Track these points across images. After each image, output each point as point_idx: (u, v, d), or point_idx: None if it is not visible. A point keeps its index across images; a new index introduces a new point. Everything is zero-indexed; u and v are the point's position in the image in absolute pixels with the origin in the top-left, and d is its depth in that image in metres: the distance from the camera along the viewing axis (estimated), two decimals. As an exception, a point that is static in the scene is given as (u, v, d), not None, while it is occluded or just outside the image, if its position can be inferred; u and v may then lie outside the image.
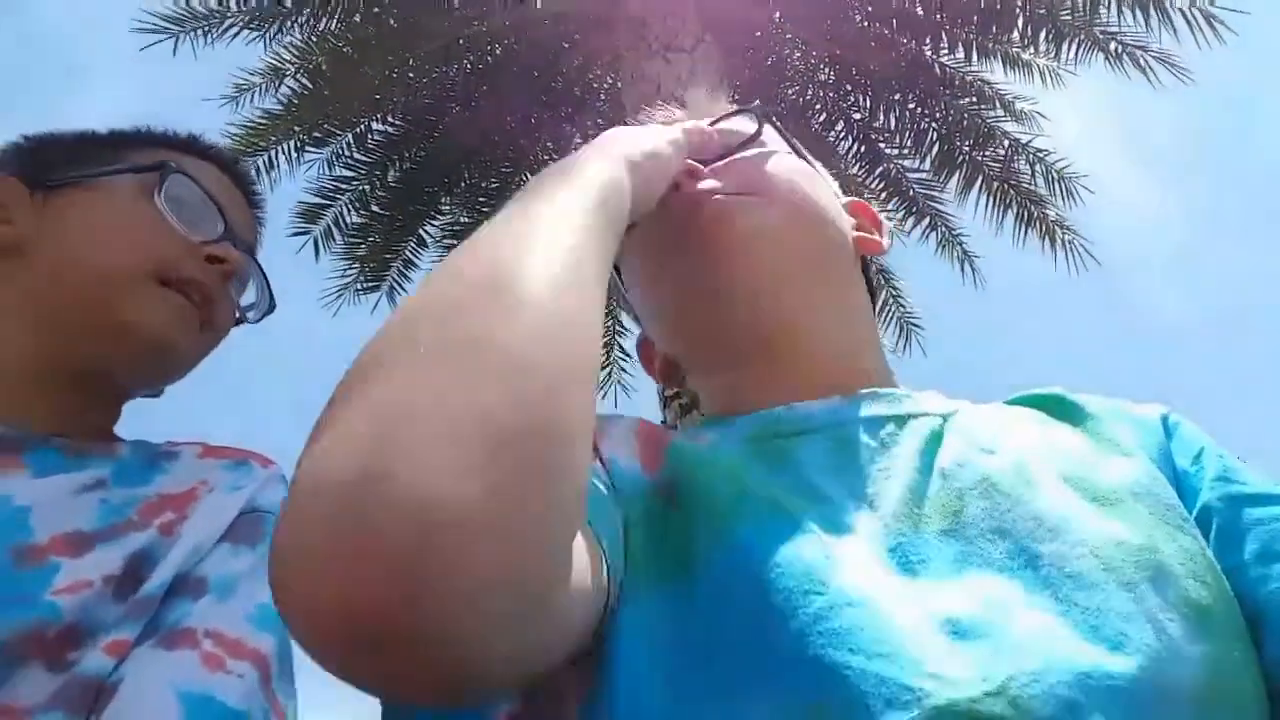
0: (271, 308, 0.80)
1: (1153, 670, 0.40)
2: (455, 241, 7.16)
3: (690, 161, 0.62)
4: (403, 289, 7.17)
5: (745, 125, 0.68)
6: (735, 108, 0.71)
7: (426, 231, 7.14)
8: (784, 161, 0.66)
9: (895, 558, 0.45)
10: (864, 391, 0.57)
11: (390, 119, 6.75)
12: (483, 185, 7.13)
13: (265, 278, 0.79)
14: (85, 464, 0.62)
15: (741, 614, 0.42)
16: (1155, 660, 0.40)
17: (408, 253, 7.13)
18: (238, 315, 0.77)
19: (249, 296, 0.79)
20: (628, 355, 7.38)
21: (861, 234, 0.69)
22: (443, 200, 7.11)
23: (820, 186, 0.68)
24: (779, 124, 0.71)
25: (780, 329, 0.60)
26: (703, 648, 0.42)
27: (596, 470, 0.48)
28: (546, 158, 7.19)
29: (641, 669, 0.42)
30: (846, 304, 0.64)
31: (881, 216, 0.72)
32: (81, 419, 0.66)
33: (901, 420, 0.55)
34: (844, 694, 0.38)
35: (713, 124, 0.67)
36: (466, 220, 7.20)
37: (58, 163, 0.72)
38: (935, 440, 0.53)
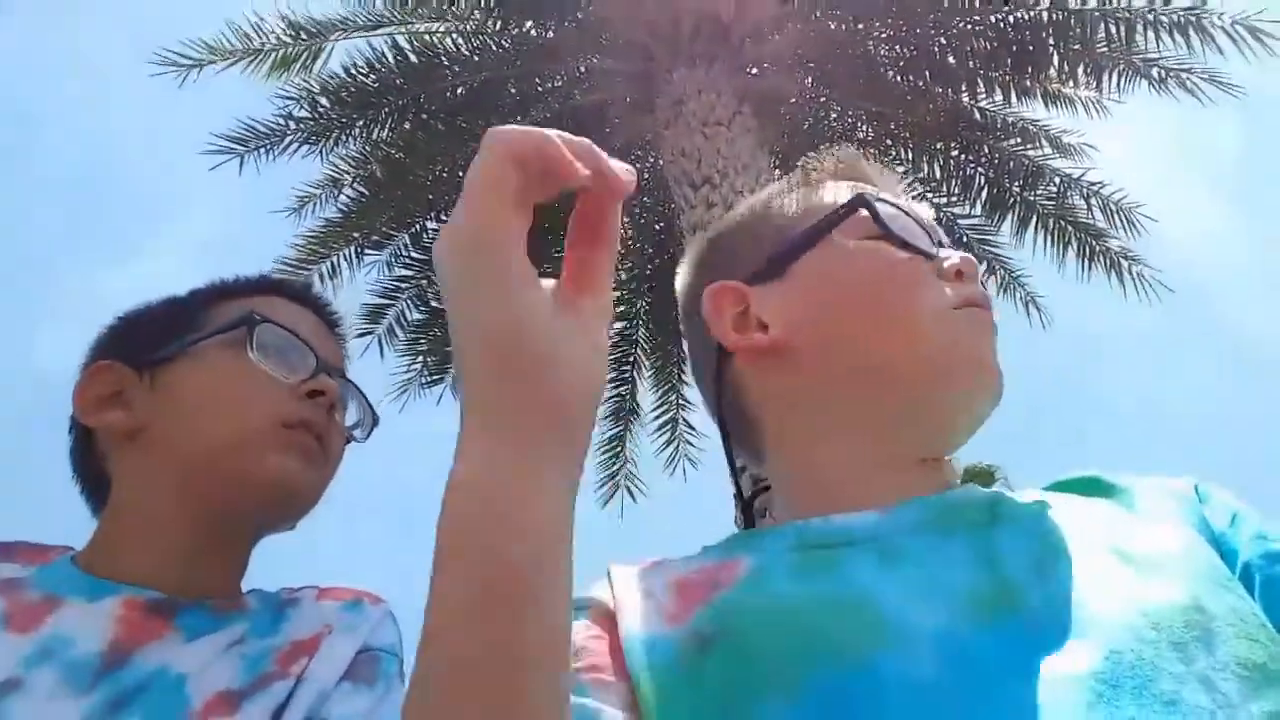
0: (375, 422, 0.83)
1: None
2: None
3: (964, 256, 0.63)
4: (466, 379, 7.28)
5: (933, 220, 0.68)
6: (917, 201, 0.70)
7: (485, 321, 7.29)
8: None
9: (959, 652, 0.46)
10: (903, 502, 0.57)
11: (444, 216, 6.98)
12: (538, 271, 7.27)
13: (363, 395, 0.83)
14: (227, 622, 0.68)
15: None
16: (1209, 718, 0.41)
17: (469, 343, 7.27)
18: (348, 437, 0.81)
19: (351, 415, 0.82)
20: (693, 429, 7.35)
21: None
22: (499, 289, 7.27)
23: None
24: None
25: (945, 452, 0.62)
26: None
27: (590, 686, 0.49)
28: (596, 239, 7.31)
29: None
30: None
31: None
32: (222, 575, 0.72)
33: (939, 521, 0.55)
34: None
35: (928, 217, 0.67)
36: (523, 307, 7.33)
37: (154, 339, 0.77)
38: (979, 534, 0.54)
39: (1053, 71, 6.35)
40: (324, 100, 6.35)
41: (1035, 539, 0.52)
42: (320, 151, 6.53)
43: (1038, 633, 0.46)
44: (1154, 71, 6.14)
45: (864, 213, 0.63)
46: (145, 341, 0.77)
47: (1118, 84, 6.27)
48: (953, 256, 0.63)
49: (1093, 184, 6.52)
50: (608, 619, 0.54)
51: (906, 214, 0.65)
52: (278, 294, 0.82)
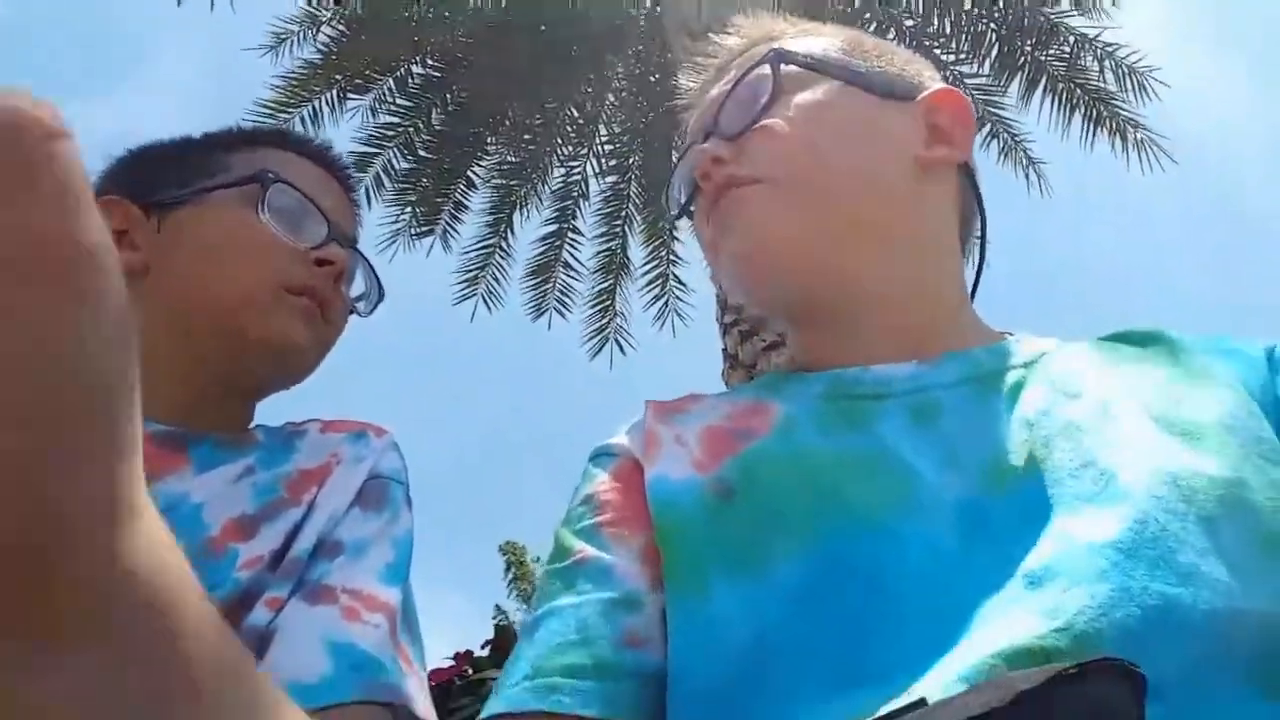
0: (381, 297, 0.83)
1: (1221, 605, 0.40)
2: (504, 181, 7.15)
3: (712, 147, 0.62)
4: (455, 231, 7.21)
5: (762, 80, 0.63)
6: (752, 62, 0.65)
7: (474, 172, 7.13)
8: (800, 123, 0.61)
9: (979, 520, 0.46)
10: (943, 355, 0.57)
11: (429, 61, 6.69)
12: (527, 122, 7.06)
13: (371, 267, 0.82)
14: (237, 455, 0.70)
15: (825, 612, 0.45)
16: (1225, 595, 0.41)
17: (458, 194, 7.14)
18: (351, 308, 0.80)
19: (358, 287, 0.82)
20: (684, 285, 7.34)
21: (926, 153, 0.62)
22: (488, 140, 7.07)
23: (858, 133, 0.61)
24: (803, 57, 0.64)
25: (833, 294, 0.59)
26: (785, 629, 0.45)
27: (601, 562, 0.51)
28: (588, 89, 7.06)
29: (724, 653, 0.45)
30: (909, 246, 0.61)
31: (958, 101, 0.65)
32: (228, 415, 0.73)
33: (981, 379, 0.55)
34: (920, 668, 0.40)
35: (732, 88, 0.64)
36: (513, 159, 7.16)
37: (164, 180, 0.75)
38: (1017, 392, 0.53)
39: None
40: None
41: (1075, 403, 0.51)
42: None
43: (1062, 498, 0.46)
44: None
45: None
46: (155, 181, 0.75)
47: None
48: (695, 171, 0.63)
49: (1108, 44, 6.27)
50: (632, 467, 0.56)
51: None
52: (298, 151, 0.79)
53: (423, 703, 0.61)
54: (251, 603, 0.61)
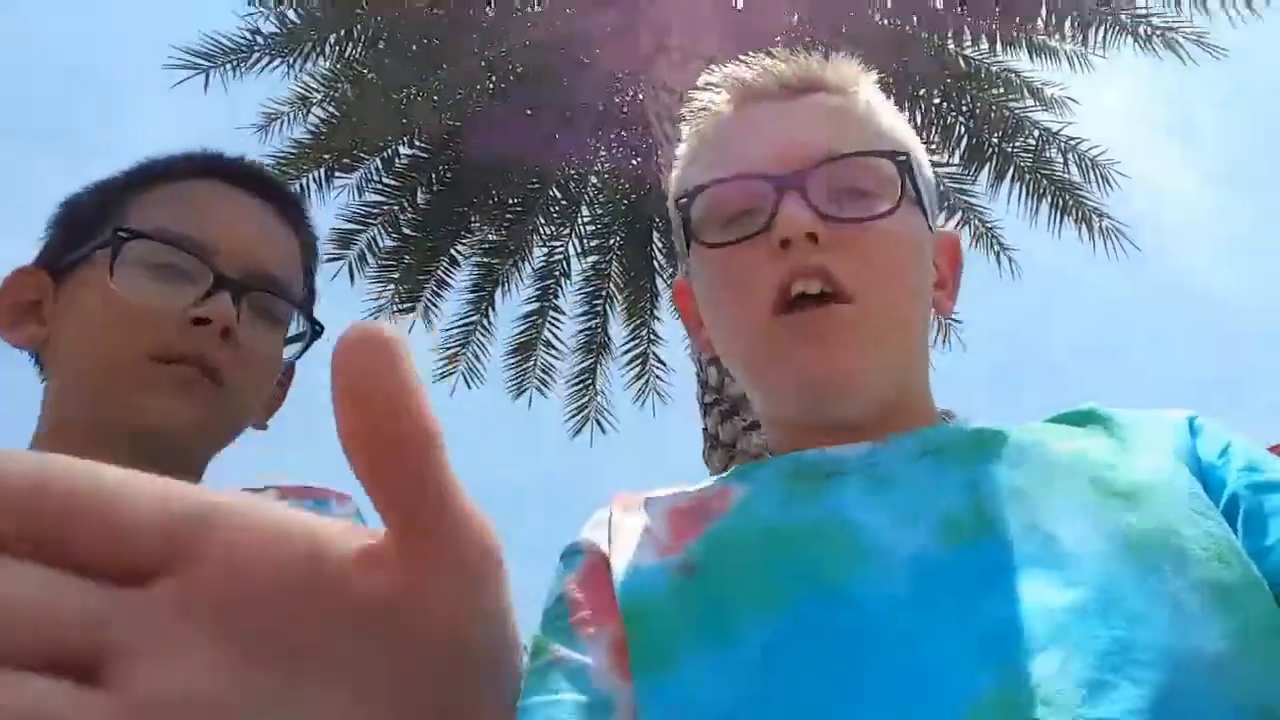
0: (316, 333, 0.75)
1: (1171, 640, 0.42)
2: (486, 259, 7.23)
3: (811, 220, 0.56)
4: (437, 308, 7.24)
5: (883, 175, 0.60)
6: (877, 149, 0.61)
7: (458, 250, 7.21)
8: (900, 259, 0.60)
9: (933, 573, 0.48)
10: (893, 436, 0.58)
11: (416, 142, 6.83)
12: (510, 202, 7.18)
13: (295, 302, 0.73)
14: None
15: (792, 676, 0.45)
16: (1174, 634, 0.42)
17: (440, 272, 7.20)
18: (284, 351, 0.73)
19: (290, 328, 0.74)
20: (663, 364, 7.38)
21: (938, 293, 0.67)
22: (472, 219, 7.18)
23: (923, 263, 0.64)
24: (920, 181, 0.63)
25: (866, 421, 0.60)
26: (754, 696, 0.45)
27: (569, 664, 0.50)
28: (572, 171, 7.22)
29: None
30: (918, 367, 0.65)
31: (961, 248, 0.70)
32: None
33: (933, 453, 0.56)
34: None
35: (846, 156, 0.59)
36: (495, 237, 7.26)
37: (63, 242, 0.70)
38: (966, 463, 0.55)
39: (1040, 22, 6.28)
40: (293, 15, 6.12)
41: (1019, 471, 0.53)
42: (289, 64, 6.32)
43: (1011, 559, 0.47)
44: (1141, 29, 6.10)
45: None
46: (57, 244, 0.71)
47: (1104, 39, 6.23)
48: (778, 225, 0.56)
49: (1071, 139, 6.52)
50: (600, 562, 0.55)
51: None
52: (213, 176, 0.71)
53: None
54: None
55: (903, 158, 0.61)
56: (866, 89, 0.66)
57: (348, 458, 0.21)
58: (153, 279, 0.66)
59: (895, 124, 0.66)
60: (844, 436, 0.58)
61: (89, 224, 0.69)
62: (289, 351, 0.74)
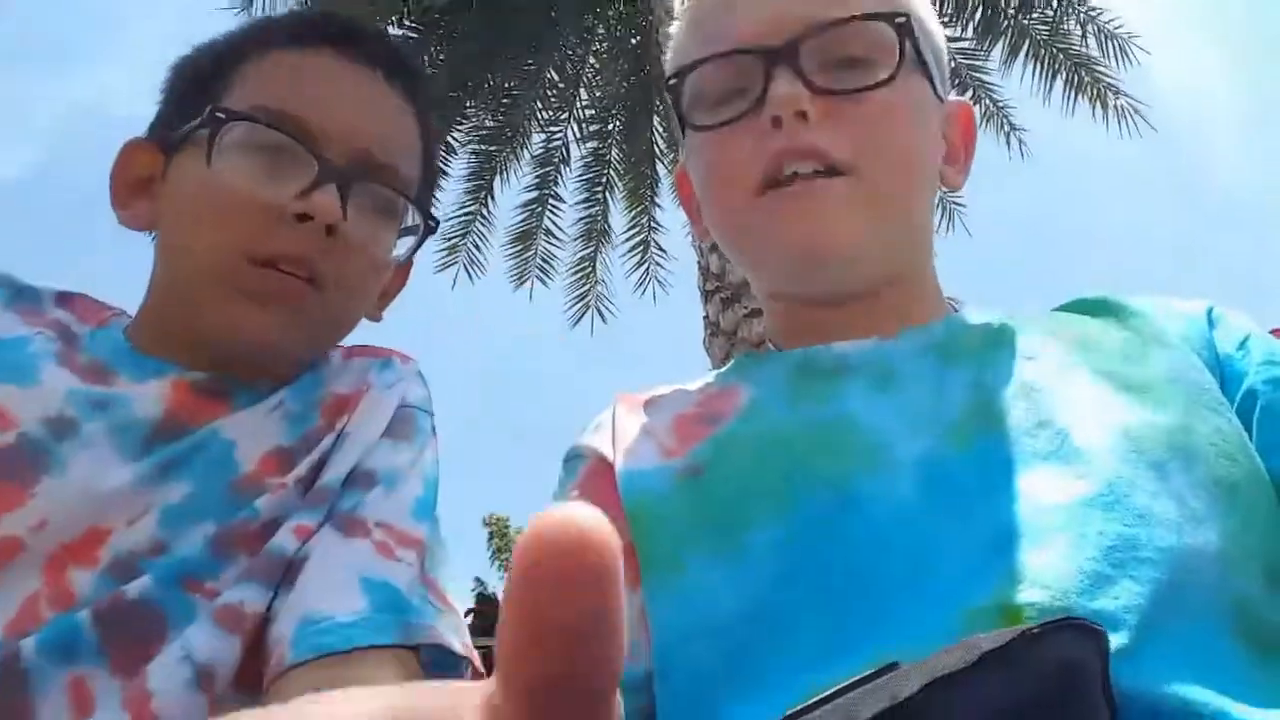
0: (430, 230, 0.69)
1: (1174, 539, 0.42)
2: (482, 146, 7.06)
3: (800, 97, 0.54)
4: (435, 198, 7.12)
5: (880, 40, 0.56)
6: (872, 9, 0.57)
7: (453, 137, 7.03)
8: (904, 124, 0.58)
9: (942, 476, 0.47)
10: (902, 330, 0.58)
11: (406, 22, 6.56)
12: (506, 86, 6.95)
13: (410, 189, 0.66)
14: (271, 390, 0.64)
15: (800, 580, 0.45)
16: (1177, 531, 0.42)
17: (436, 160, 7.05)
18: (395, 248, 0.67)
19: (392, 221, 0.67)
20: (664, 252, 7.31)
21: (946, 166, 0.64)
22: (467, 104, 6.97)
23: (927, 133, 0.60)
24: (924, 44, 0.59)
25: (864, 289, 0.59)
26: (765, 600, 0.46)
27: None
28: (570, 52, 6.96)
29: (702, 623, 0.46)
30: (921, 241, 0.63)
31: (974, 119, 0.67)
32: (269, 371, 0.64)
33: (939, 348, 0.55)
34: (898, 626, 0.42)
35: (837, 22, 0.56)
36: (491, 124, 7.06)
37: (170, 115, 0.66)
38: (974, 358, 0.54)
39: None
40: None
41: (1030, 365, 0.52)
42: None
43: (1021, 456, 0.47)
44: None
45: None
46: (165, 115, 0.66)
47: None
48: (769, 103, 0.54)
49: (1091, 9, 6.25)
50: (603, 466, 0.56)
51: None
52: (324, 44, 0.64)
53: (459, 641, 0.57)
54: (275, 532, 0.57)
55: (902, 19, 0.57)
56: None
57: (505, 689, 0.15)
58: (253, 166, 0.60)
59: (923, 15, 0.62)
60: (843, 312, 0.58)
61: (193, 97, 0.64)
62: (402, 247, 0.68)
